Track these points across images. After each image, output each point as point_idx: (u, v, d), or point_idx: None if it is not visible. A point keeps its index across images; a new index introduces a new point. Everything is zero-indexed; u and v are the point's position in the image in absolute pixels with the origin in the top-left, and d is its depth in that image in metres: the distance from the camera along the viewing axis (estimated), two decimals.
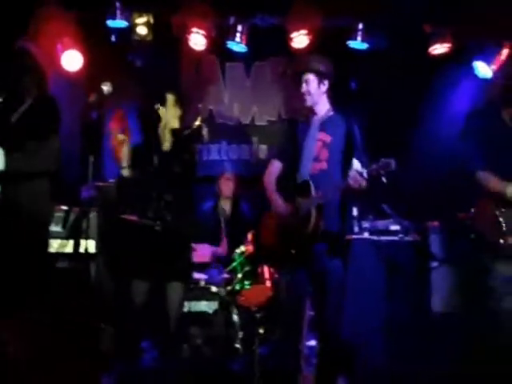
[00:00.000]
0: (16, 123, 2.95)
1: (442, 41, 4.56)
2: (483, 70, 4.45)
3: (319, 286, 2.95)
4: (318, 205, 2.91)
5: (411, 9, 4.42)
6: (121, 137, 3.11)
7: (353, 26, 4.73)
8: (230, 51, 4.93)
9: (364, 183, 2.78)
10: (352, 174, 2.80)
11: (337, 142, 3.02)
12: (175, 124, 3.21)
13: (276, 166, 3.21)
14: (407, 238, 3.84)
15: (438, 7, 4.44)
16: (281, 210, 3.05)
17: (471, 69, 4.51)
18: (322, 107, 3.12)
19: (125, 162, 3.12)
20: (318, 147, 3.03)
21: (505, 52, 4.39)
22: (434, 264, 3.63)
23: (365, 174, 2.76)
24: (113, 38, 4.94)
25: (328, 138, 3.04)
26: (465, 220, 3.96)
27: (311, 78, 3.08)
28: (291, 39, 4.78)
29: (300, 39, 4.75)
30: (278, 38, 4.85)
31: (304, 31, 4.71)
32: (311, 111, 3.14)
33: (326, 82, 3.10)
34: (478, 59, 4.47)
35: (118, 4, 4.78)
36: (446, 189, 4.27)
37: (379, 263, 3.81)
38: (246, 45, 4.84)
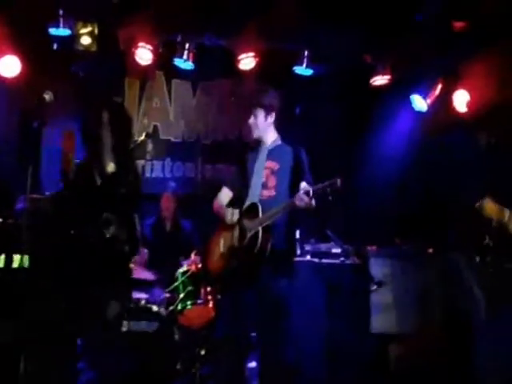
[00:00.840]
0: None
1: (383, 73, 4.79)
2: (419, 103, 4.72)
3: (264, 306, 2.96)
4: (265, 226, 2.93)
5: (353, 39, 4.64)
6: (71, 156, 3.01)
7: (298, 52, 4.88)
8: (177, 68, 4.92)
9: (310, 202, 2.84)
10: (299, 193, 2.85)
11: (284, 170, 3.10)
12: (117, 142, 3.13)
13: (225, 194, 3.25)
14: (348, 261, 3.95)
15: (376, 41, 4.68)
16: (232, 220, 3.05)
17: (409, 101, 4.77)
18: (270, 137, 3.20)
19: (69, 179, 3.01)
20: (266, 175, 3.09)
21: (439, 87, 4.69)
22: (373, 286, 3.74)
23: (311, 193, 2.82)
24: (55, 46, 4.77)
25: (276, 166, 3.11)
26: (401, 244, 4.16)
27: (258, 111, 3.15)
28: (238, 61, 4.84)
29: (247, 61, 4.82)
30: (226, 59, 4.91)
31: (251, 53, 4.79)
32: (259, 141, 3.20)
33: (273, 114, 3.18)
34: (415, 92, 4.73)
35: (61, 12, 4.63)
36: (384, 214, 4.46)
37: (320, 285, 3.88)
38: (193, 63, 4.84)
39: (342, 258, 3.97)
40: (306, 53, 4.84)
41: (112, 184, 3.02)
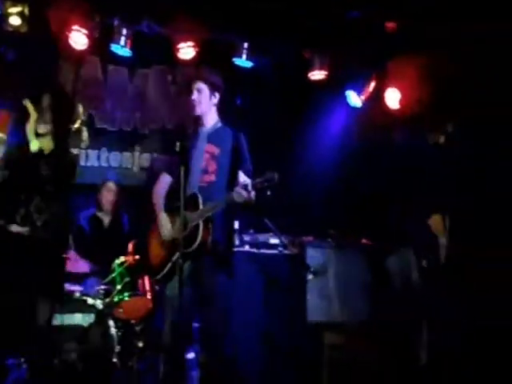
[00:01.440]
0: None
1: (320, 68, 4.90)
2: (354, 99, 4.87)
3: (205, 298, 2.97)
4: (205, 218, 2.93)
5: (292, 34, 4.70)
6: (3, 137, 2.87)
7: (238, 44, 4.87)
8: (114, 54, 4.76)
9: (250, 196, 2.86)
10: (237, 188, 2.86)
11: (225, 155, 3.07)
12: (46, 127, 3.01)
13: (165, 181, 3.19)
14: (285, 251, 4.03)
15: (315, 34, 4.77)
16: (166, 231, 3.01)
17: (344, 96, 4.91)
18: (211, 119, 3.16)
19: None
20: (206, 159, 3.06)
21: (372, 84, 4.86)
22: (309, 275, 3.85)
23: (249, 187, 2.84)
24: None
25: (216, 150, 3.08)
26: (335, 235, 4.30)
27: (203, 86, 3.11)
28: (177, 49, 4.77)
29: (186, 50, 4.76)
30: (164, 47, 4.82)
31: (191, 43, 4.74)
32: (199, 122, 3.16)
33: (217, 95, 3.15)
34: (349, 88, 4.88)
35: None
36: (320, 205, 4.58)
37: (259, 275, 3.94)
38: (131, 50, 4.72)
39: (279, 249, 4.05)
40: (245, 45, 4.85)
41: (37, 165, 2.90)
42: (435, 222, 3.28)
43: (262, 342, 3.78)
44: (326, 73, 4.91)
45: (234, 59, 4.86)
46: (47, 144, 3.06)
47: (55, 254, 3.05)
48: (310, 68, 4.91)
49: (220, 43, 4.88)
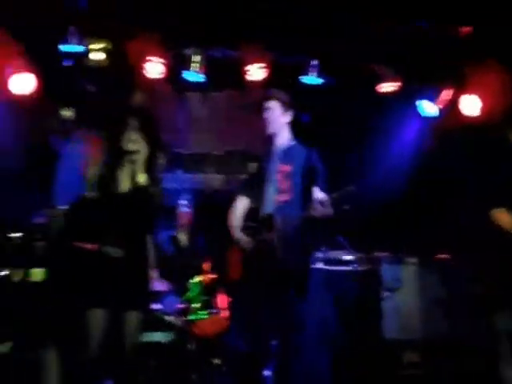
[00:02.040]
0: None
1: (391, 80, 4.82)
2: (429, 108, 4.73)
3: (281, 317, 2.98)
4: (282, 238, 2.95)
5: (361, 48, 4.67)
6: (93, 162, 3.05)
7: (306, 63, 4.91)
8: (186, 81, 4.98)
9: (326, 211, 2.84)
10: (314, 203, 2.85)
11: (297, 172, 3.08)
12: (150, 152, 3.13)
13: (242, 204, 3.24)
14: (359, 268, 3.96)
15: (385, 48, 4.71)
16: (246, 246, 3.07)
17: (415, 106, 4.79)
18: (283, 137, 3.18)
19: (90, 188, 3.05)
20: (279, 178, 3.09)
21: (449, 92, 4.70)
22: (386, 293, 3.76)
23: (327, 202, 2.82)
24: (66, 63, 4.86)
25: (288, 168, 3.09)
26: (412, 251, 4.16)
27: (274, 105, 3.14)
28: (246, 72, 4.90)
29: (255, 72, 4.87)
30: (235, 70, 4.96)
31: (259, 65, 4.84)
32: (271, 141, 3.20)
33: (289, 113, 3.18)
34: (421, 98, 4.75)
35: (71, 29, 4.73)
36: (395, 219, 4.47)
37: (332, 292, 3.89)
38: (203, 75, 4.90)
39: (353, 265, 3.99)
40: (314, 62, 4.88)
41: (141, 196, 3.03)
42: (502, 215, 2.97)
43: (336, 360, 3.72)
44: (398, 84, 4.83)
45: (302, 77, 4.91)
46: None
47: (143, 273, 3.16)
48: (381, 80, 4.86)
49: (288, 62, 4.97)
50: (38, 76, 4.66)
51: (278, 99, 3.14)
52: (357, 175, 4.74)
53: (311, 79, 4.89)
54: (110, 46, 4.79)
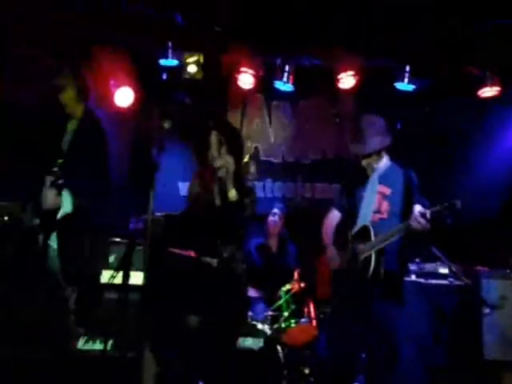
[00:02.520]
0: (68, 151, 3.04)
1: (491, 84, 4.56)
2: None
3: (373, 329, 2.92)
4: (378, 249, 2.91)
5: (456, 50, 4.47)
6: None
7: (398, 68, 4.79)
8: (276, 90, 5.04)
9: (427, 225, 2.77)
10: (414, 215, 2.79)
11: (396, 194, 3.05)
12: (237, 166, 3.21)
13: (335, 215, 3.28)
14: (457, 282, 3.77)
15: (482, 50, 4.47)
16: (334, 263, 3.07)
17: None
18: (381, 160, 3.16)
19: (190, 198, 3.19)
20: (378, 200, 3.07)
21: None
22: (486, 310, 3.54)
23: (428, 215, 2.75)
24: (164, 76, 5.11)
25: (387, 191, 3.07)
26: None
27: (373, 132, 3.13)
28: (338, 80, 4.87)
29: (347, 80, 4.83)
30: (324, 78, 4.95)
31: (351, 72, 4.80)
32: (361, 160, 3.18)
33: (388, 139, 3.15)
34: None
35: (170, 44, 4.96)
36: (496, 231, 4.20)
37: (427, 307, 3.74)
38: (293, 85, 4.94)
39: (450, 279, 3.81)
40: (407, 68, 4.75)
41: (232, 208, 3.12)
42: None
43: (431, 378, 3.56)
44: (498, 89, 4.57)
45: (396, 84, 4.79)
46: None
47: (239, 282, 3.24)
48: (480, 85, 4.62)
49: (379, 69, 4.87)
50: (140, 89, 4.95)
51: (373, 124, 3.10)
52: (453, 185, 4.55)
53: (404, 85, 4.76)
54: (203, 59, 4.98)
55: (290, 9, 4.32)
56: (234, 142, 3.24)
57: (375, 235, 2.95)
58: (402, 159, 3.18)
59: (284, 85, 4.95)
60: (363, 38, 4.51)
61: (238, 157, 3.22)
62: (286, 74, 4.93)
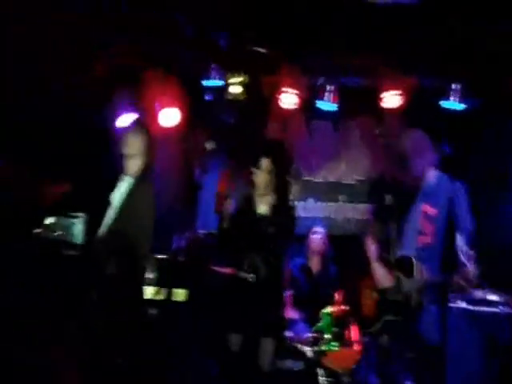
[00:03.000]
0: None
1: None
2: None
3: (419, 356, 2.83)
4: (419, 287, 2.85)
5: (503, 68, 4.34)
6: (225, 193, 3.22)
7: (447, 86, 4.67)
8: (318, 109, 5.02)
9: (473, 277, 2.69)
10: (458, 277, 2.72)
11: (442, 215, 2.97)
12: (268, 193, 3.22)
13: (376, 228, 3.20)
14: (509, 310, 3.59)
15: None
16: (382, 281, 3.00)
17: None
18: (428, 176, 3.09)
19: (226, 217, 3.21)
20: (421, 219, 2.99)
21: None
22: None
23: (472, 257, 2.66)
24: (207, 97, 5.20)
25: (433, 211, 3.00)
26: None
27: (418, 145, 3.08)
28: (381, 99, 4.81)
29: (391, 99, 4.77)
30: (366, 97, 4.90)
31: (396, 92, 4.73)
32: (411, 178, 3.12)
33: (434, 153, 3.09)
34: None
35: (213, 65, 5.05)
36: None
37: (477, 336, 3.57)
38: (336, 104, 4.91)
39: (500, 307, 3.63)
40: (457, 87, 4.63)
41: (263, 225, 3.13)
42: None
43: None
44: None
45: (441, 102, 4.69)
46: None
47: (277, 299, 3.22)
48: None
49: (425, 87, 4.78)
50: (184, 110, 5.04)
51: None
52: (503, 205, 4.37)
53: (452, 104, 4.64)
54: (246, 80, 5.04)
55: (334, 27, 4.32)
56: (281, 161, 3.23)
57: (420, 265, 2.87)
58: (452, 171, 3.08)
59: (327, 104, 4.94)
60: (410, 56, 4.46)
61: (283, 175, 3.23)
62: (328, 94, 4.93)
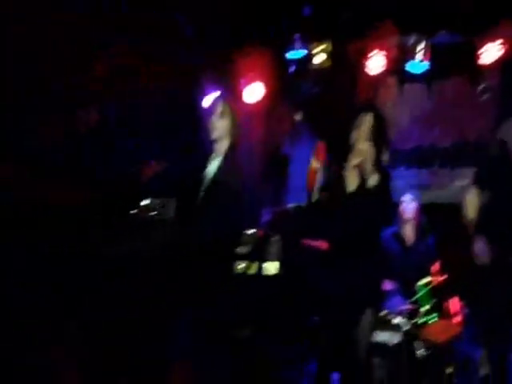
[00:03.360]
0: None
1: None
2: None
3: None
4: None
5: None
6: (316, 165, 3.16)
7: None
8: (409, 72, 4.77)
9: None
10: None
11: None
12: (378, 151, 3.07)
13: (476, 197, 3.03)
14: None
15: None
16: (482, 257, 2.81)
17: None
18: None
19: (315, 190, 3.16)
20: None
21: None
22: None
23: None
24: (291, 69, 5.14)
25: None
26: None
27: None
28: (478, 56, 4.46)
29: (489, 54, 4.40)
30: (461, 55, 4.57)
31: (495, 45, 4.35)
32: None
33: None
34: None
35: (297, 36, 4.97)
36: None
37: None
38: (428, 64, 4.63)
39: None
40: None
41: (370, 196, 3.01)
42: None
43: None
44: None
45: None
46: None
47: (375, 271, 3.12)
48: None
49: None
50: (269, 84, 5.03)
51: None
52: None
53: None
54: (330, 48, 4.90)
55: None
56: (379, 127, 3.09)
57: None
58: None
59: (418, 65, 4.67)
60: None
61: (380, 142, 3.09)
62: (420, 54, 4.66)
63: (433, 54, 4.61)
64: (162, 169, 3.23)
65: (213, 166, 3.13)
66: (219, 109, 3.12)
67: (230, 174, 3.07)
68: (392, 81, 5.11)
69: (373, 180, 3.01)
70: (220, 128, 3.09)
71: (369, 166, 3.02)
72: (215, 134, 3.09)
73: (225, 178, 3.06)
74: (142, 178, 3.22)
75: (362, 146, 3.03)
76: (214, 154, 3.14)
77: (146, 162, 3.25)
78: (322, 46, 4.95)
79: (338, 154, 3.19)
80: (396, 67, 4.82)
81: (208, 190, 3.07)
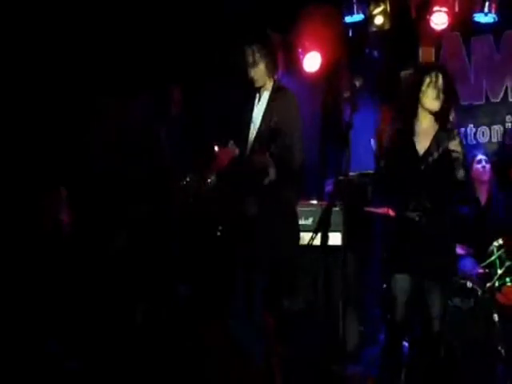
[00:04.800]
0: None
1: None
2: None
3: None
4: None
5: None
6: (384, 130, 3.11)
7: None
8: (475, 24, 4.52)
9: None
10: None
11: None
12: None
13: None
14: None
15: None
16: None
17: None
18: None
19: (382, 156, 3.09)
20: None
21: None
22: None
23: None
24: (350, 34, 5.02)
25: None
26: None
27: None
28: None
29: None
30: None
31: None
32: None
33: None
34: None
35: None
36: None
37: None
38: (496, 14, 4.37)
39: None
40: None
41: (444, 159, 2.90)
42: None
43: None
44: None
45: None
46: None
47: (448, 238, 3.01)
48: None
49: None
50: (328, 51, 4.94)
51: None
52: None
53: None
54: (389, 7, 4.73)
55: None
56: (448, 85, 2.95)
57: None
58: None
59: (485, 16, 4.41)
60: None
61: (449, 101, 2.95)
62: (486, 4, 4.39)
63: (501, 2, 4.38)
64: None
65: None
66: (250, 59, 3.12)
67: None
68: (456, 35, 4.84)
69: (443, 142, 2.89)
70: (255, 75, 3.12)
71: (437, 128, 2.92)
72: (256, 83, 3.14)
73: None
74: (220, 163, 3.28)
75: (431, 106, 2.91)
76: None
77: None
78: (381, 8, 4.79)
79: (406, 117, 3.10)
80: (460, 21, 4.57)
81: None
